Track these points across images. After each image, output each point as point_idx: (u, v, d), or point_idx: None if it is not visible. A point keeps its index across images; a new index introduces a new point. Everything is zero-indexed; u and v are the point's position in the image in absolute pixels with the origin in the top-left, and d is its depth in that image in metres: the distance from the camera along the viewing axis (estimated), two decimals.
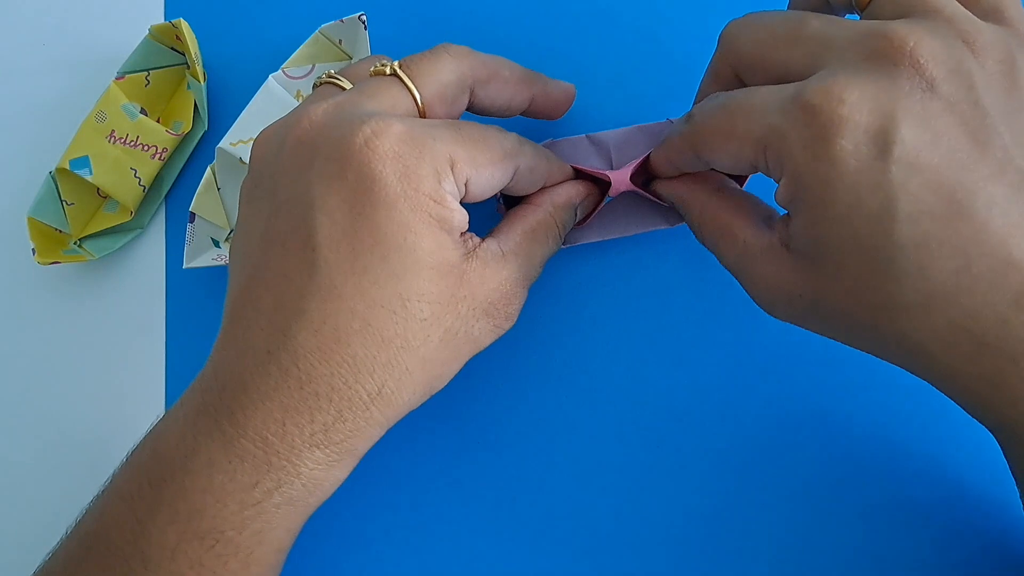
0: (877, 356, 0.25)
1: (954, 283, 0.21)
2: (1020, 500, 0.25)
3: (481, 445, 0.34)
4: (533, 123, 0.34)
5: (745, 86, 0.27)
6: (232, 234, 0.29)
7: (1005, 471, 0.25)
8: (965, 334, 0.22)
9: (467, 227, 0.27)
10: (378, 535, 0.34)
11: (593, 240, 0.34)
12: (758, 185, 0.30)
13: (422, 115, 0.27)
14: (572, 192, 0.31)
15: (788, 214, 0.24)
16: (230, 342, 0.26)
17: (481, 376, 0.34)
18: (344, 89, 0.28)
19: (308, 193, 0.25)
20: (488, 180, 0.27)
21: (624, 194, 0.32)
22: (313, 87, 0.30)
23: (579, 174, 0.32)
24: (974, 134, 0.21)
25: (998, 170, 0.21)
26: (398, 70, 0.27)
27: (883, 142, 0.21)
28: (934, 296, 0.22)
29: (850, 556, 0.32)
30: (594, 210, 0.32)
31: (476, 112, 0.30)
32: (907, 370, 0.24)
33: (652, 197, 0.31)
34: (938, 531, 0.31)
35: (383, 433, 0.26)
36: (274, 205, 0.26)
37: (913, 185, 0.21)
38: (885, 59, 0.22)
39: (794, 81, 0.23)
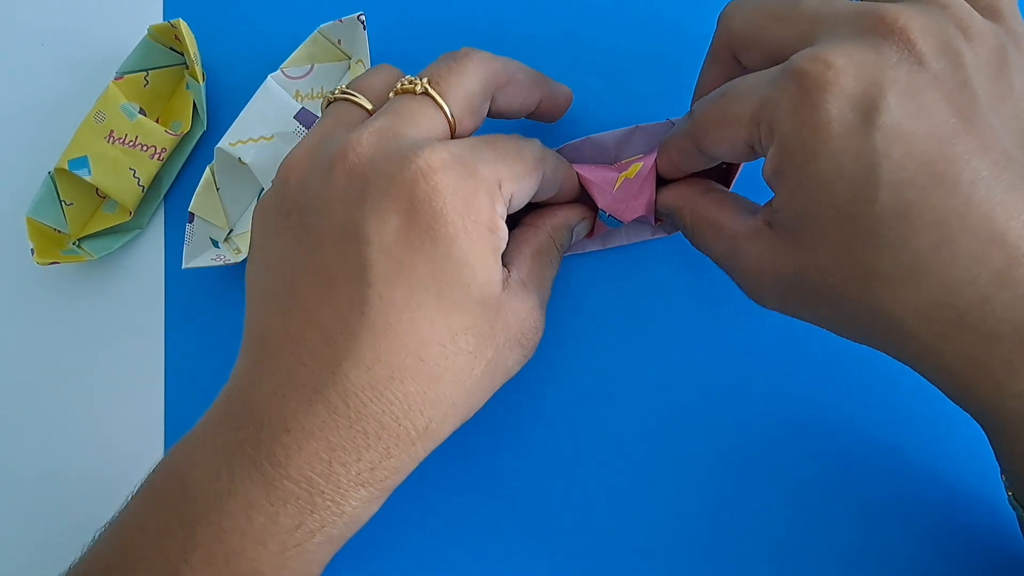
0: (860, 340, 0.25)
1: (935, 256, 0.21)
2: (1004, 490, 0.25)
3: (481, 445, 0.34)
4: (532, 125, 0.34)
5: (743, 68, 0.27)
6: (248, 258, 0.28)
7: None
8: (946, 311, 0.21)
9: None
10: (378, 535, 0.34)
11: (594, 249, 0.34)
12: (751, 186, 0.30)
13: (452, 130, 0.27)
14: (570, 214, 0.31)
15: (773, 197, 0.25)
16: (265, 376, 0.25)
17: None
18: (362, 107, 0.28)
19: (361, 228, 0.24)
20: (527, 191, 0.27)
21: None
22: (325, 104, 0.29)
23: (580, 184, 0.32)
24: (960, 110, 0.21)
25: (982, 147, 0.21)
26: (429, 89, 0.27)
27: (868, 108, 0.21)
28: (914, 269, 0.21)
29: (849, 554, 0.32)
30: (593, 231, 0.32)
31: (490, 115, 0.30)
32: (890, 354, 0.24)
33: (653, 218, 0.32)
34: (934, 528, 0.31)
35: (416, 467, 0.26)
36: (317, 238, 0.25)
37: (896, 153, 0.21)
38: (875, 33, 0.22)
39: (785, 57, 0.23)
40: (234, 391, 0.26)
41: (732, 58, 0.27)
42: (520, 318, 0.27)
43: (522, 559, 0.33)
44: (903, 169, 0.21)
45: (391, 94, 0.27)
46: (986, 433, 0.24)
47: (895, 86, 0.21)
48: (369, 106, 0.28)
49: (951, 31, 0.22)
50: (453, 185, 0.24)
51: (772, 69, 0.24)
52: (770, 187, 0.24)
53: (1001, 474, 0.25)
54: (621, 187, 0.30)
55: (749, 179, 0.31)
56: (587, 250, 0.34)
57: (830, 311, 0.24)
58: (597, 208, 0.31)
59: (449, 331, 0.25)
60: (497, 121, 0.31)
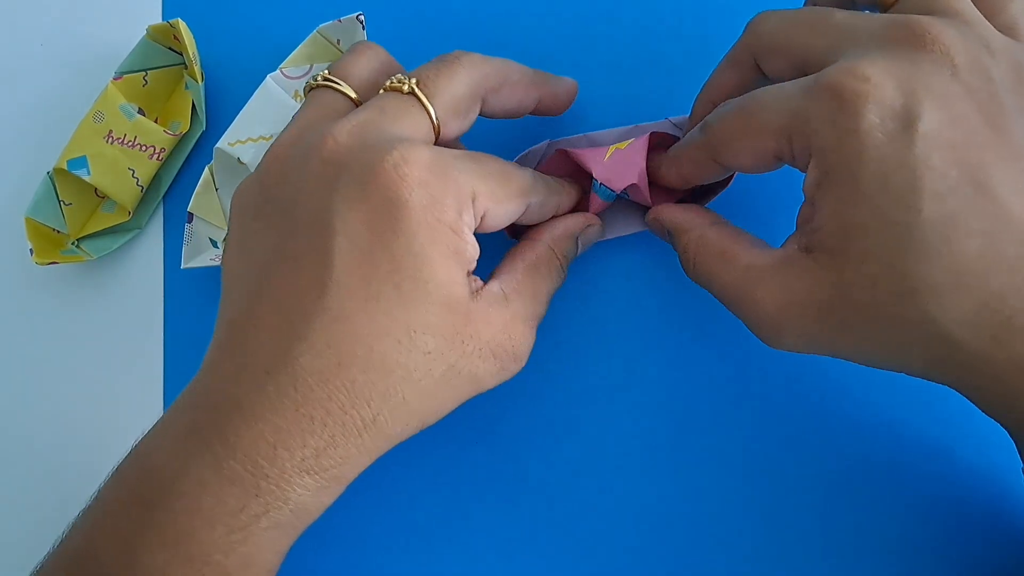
0: (897, 365, 0.24)
1: (980, 263, 0.21)
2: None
3: (480, 445, 0.34)
4: (532, 123, 0.34)
5: (762, 74, 0.27)
6: (226, 245, 0.28)
7: (1006, 473, 0.25)
8: (994, 315, 0.21)
9: (476, 263, 0.26)
10: (377, 535, 0.34)
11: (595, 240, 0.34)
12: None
13: (436, 132, 0.27)
14: (571, 223, 0.31)
15: (803, 221, 0.24)
16: (226, 359, 0.25)
17: None
18: (346, 96, 0.28)
19: (329, 213, 0.24)
20: (503, 214, 0.27)
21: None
22: (307, 88, 0.29)
23: (574, 163, 0.32)
24: (992, 120, 0.22)
25: (1015, 155, 0.22)
26: (416, 89, 0.27)
27: (907, 118, 0.22)
28: (961, 276, 0.21)
29: (850, 556, 0.32)
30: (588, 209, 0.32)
31: (486, 116, 0.30)
32: (932, 373, 0.24)
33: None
34: (933, 529, 0.31)
35: (371, 462, 0.26)
36: (290, 223, 0.25)
37: (937, 162, 0.21)
38: (908, 44, 0.22)
39: (813, 70, 0.24)
40: (199, 376, 0.26)
41: (753, 64, 0.27)
42: (495, 330, 0.26)
43: (521, 559, 0.33)
44: (946, 177, 0.21)
45: (380, 91, 0.28)
46: (1017, 445, 0.24)
47: (931, 95, 0.22)
48: (353, 95, 0.28)
49: (978, 46, 0.23)
50: (421, 178, 0.24)
51: (800, 81, 0.24)
52: (810, 201, 0.24)
53: None
54: (612, 156, 0.30)
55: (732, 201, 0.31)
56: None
57: (871, 333, 0.24)
58: (594, 207, 0.32)
59: (407, 327, 0.24)
60: (498, 121, 0.31)
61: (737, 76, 0.28)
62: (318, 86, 0.29)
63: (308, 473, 0.24)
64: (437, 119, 0.27)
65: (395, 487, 0.34)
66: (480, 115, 0.30)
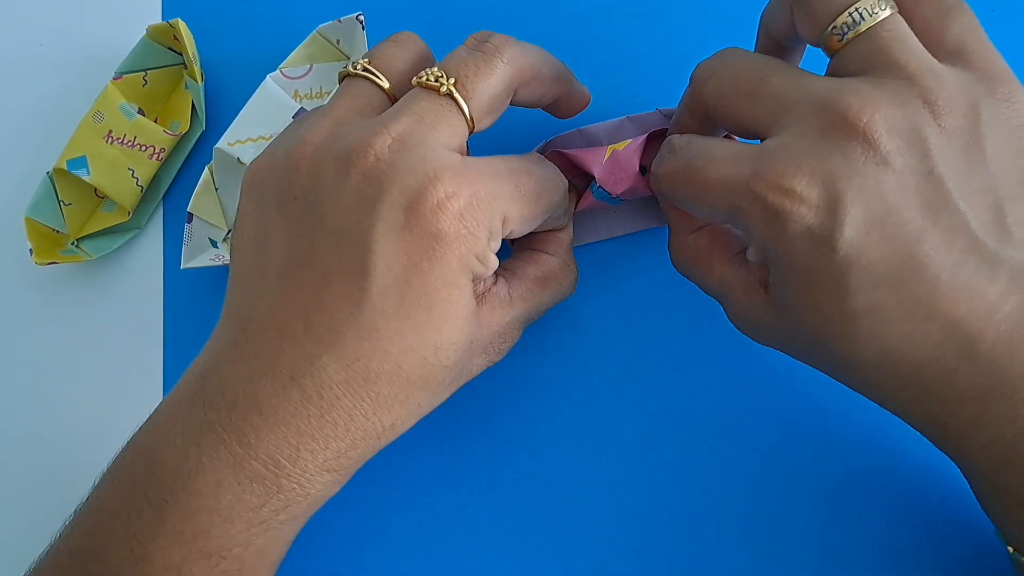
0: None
1: (906, 342, 0.23)
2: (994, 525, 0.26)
3: (477, 445, 0.34)
4: (529, 122, 0.34)
5: (715, 125, 0.28)
6: (232, 233, 0.28)
7: None
8: (914, 384, 0.24)
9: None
10: (376, 535, 0.34)
11: (590, 241, 0.34)
12: None
13: (471, 130, 0.27)
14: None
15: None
16: (244, 360, 0.25)
17: (480, 376, 0.34)
18: (382, 88, 0.28)
19: (369, 234, 0.24)
20: (527, 230, 0.28)
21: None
22: (341, 76, 0.29)
23: (570, 163, 0.32)
24: (927, 205, 0.22)
25: (948, 238, 0.22)
26: (454, 92, 0.26)
27: (831, 228, 0.22)
28: (886, 355, 0.23)
29: (849, 557, 0.32)
30: (579, 204, 0.32)
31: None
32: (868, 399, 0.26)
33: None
34: (931, 531, 0.31)
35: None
36: (322, 233, 0.25)
37: (864, 260, 0.22)
38: (840, 133, 0.22)
39: (755, 136, 0.25)
40: (208, 369, 0.26)
41: (705, 115, 0.27)
42: (493, 330, 0.28)
43: (519, 559, 0.33)
44: (871, 273, 0.22)
45: (413, 81, 0.27)
46: (962, 472, 0.26)
47: (860, 195, 0.22)
48: (387, 86, 0.28)
49: (918, 114, 0.22)
50: (461, 212, 0.25)
51: (737, 163, 0.24)
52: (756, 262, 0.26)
53: (984, 509, 0.26)
54: (610, 158, 0.30)
55: None
56: (586, 241, 0.34)
57: (821, 367, 0.26)
58: (584, 203, 0.32)
59: (434, 345, 0.25)
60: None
61: (696, 122, 0.28)
62: (355, 75, 0.28)
63: (328, 472, 0.25)
64: (473, 119, 0.27)
65: (394, 487, 0.34)
66: None
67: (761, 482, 0.33)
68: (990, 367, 0.22)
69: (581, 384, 0.34)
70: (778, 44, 0.29)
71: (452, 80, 0.26)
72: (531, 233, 0.31)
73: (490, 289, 0.28)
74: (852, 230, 0.22)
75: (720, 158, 0.25)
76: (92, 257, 0.37)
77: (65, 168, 0.36)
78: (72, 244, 0.38)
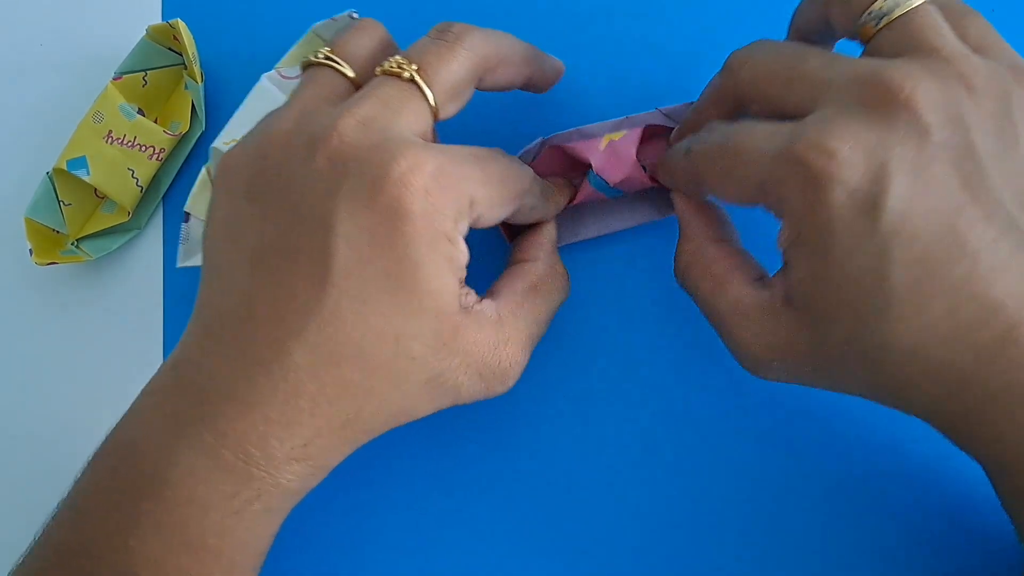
0: (862, 397, 0.26)
1: (944, 324, 0.22)
2: (1016, 531, 0.25)
3: (475, 444, 0.34)
4: (526, 117, 0.33)
5: (742, 113, 0.27)
6: (205, 225, 0.28)
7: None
8: (953, 372, 0.23)
9: (467, 270, 0.26)
10: (374, 536, 0.34)
11: (587, 237, 0.34)
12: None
13: (435, 117, 0.27)
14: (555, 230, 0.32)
15: (784, 267, 0.25)
16: (215, 348, 0.25)
17: None
18: (346, 77, 0.28)
19: (332, 215, 0.24)
20: (496, 217, 0.27)
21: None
22: (304, 64, 0.29)
23: (569, 158, 0.32)
24: (966, 179, 0.22)
25: (987, 215, 0.22)
26: (417, 77, 0.26)
27: (875, 193, 0.22)
28: (926, 336, 0.22)
29: (848, 559, 0.31)
30: (577, 196, 0.32)
31: (476, 90, 0.29)
32: (891, 407, 0.25)
33: (651, 182, 0.31)
34: (929, 532, 0.31)
35: (352, 452, 0.27)
36: (288, 219, 0.25)
37: (905, 233, 0.22)
38: (881, 105, 0.22)
39: (792, 117, 0.24)
40: (181, 360, 0.26)
41: (734, 103, 0.27)
42: (483, 350, 0.27)
43: (518, 559, 0.33)
44: (912, 247, 0.22)
45: (377, 70, 0.27)
46: (992, 480, 0.25)
47: (902, 166, 0.22)
48: (351, 74, 0.28)
49: (956, 92, 0.22)
50: (426, 187, 0.24)
51: (775, 135, 0.24)
52: (784, 258, 0.25)
53: (1009, 516, 0.25)
54: (607, 147, 0.30)
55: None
56: (582, 238, 0.34)
57: (848, 380, 0.25)
58: (583, 194, 0.32)
59: (396, 332, 0.25)
60: (493, 115, 0.31)
61: (723, 110, 0.28)
62: (318, 63, 0.28)
63: (296, 461, 0.25)
64: (436, 105, 0.27)
65: (392, 488, 0.34)
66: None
67: (761, 482, 0.32)
68: None
69: (581, 384, 0.34)
70: (809, 41, 0.29)
71: (415, 67, 0.27)
72: (513, 245, 0.31)
73: (476, 305, 0.27)
74: (897, 198, 0.22)
75: (759, 130, 0.25)
76: (92, 257, 0.37)
77: (65, 168, 0.36)
78: (72, 244, 0.38)
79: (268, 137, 0.27)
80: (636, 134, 0.30)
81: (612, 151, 0.30)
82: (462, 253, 0.26)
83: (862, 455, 0.32)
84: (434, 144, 0.26)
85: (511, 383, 0.28)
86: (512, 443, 0.34)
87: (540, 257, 0.30)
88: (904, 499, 0.31)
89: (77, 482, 0.27)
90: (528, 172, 0.29)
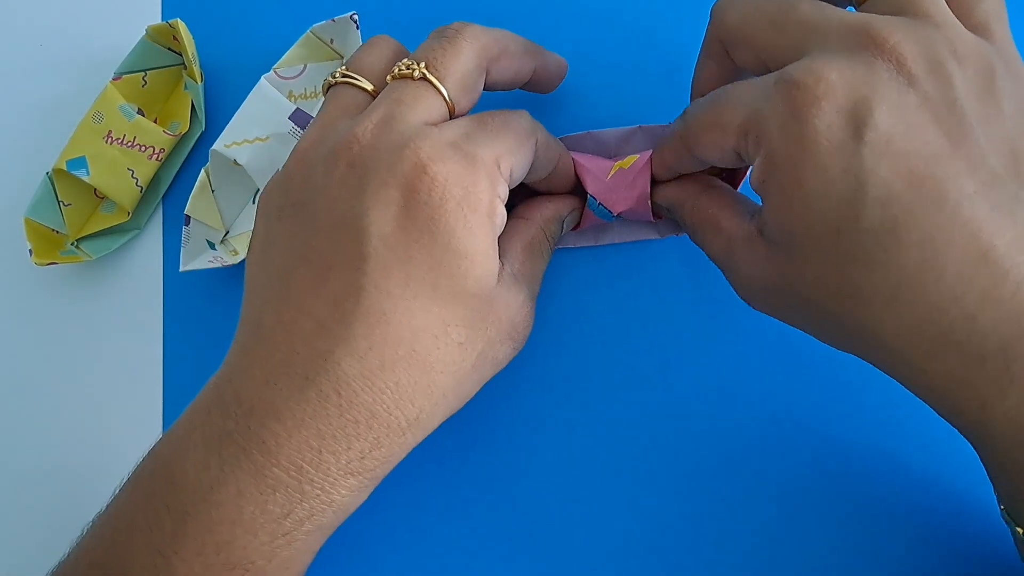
0: (848, 352, 0.25)
1: (921, 275, 0.21)
2: (996, 503, 0.25)
3: (475, 444, 0.34)
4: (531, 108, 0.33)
5: (736, 64, 0.27)
6: (250, 249, 0.28)
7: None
8: (931, 329, 0.21)
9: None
10: (373, 537, 0.34)
11: (585, 245, 0.33)
12: None
13: (451, 111, 0.27)
14: (560, 206, 0.31)
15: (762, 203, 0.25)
16: (255, 364, 0.25)
17: None
18: (363, 90, 0.28)
19: (360, 218, 0.24)
20: (524, 164, 0.27)
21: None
22: (325, 87, 0.29)
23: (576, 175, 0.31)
24: (948, 130, 0.21)
25: (970, 166, 0.21)
26: (427, 74, 0.26)
27: (856, 124, 0.21)
28: (900, 287, 0.21)
29: (847, 559, 0.31)
30: (581, 222, 0.32)
31: (485, 89, 0.30)
32: (878, 368, 0.24)
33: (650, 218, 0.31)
34: (928, 533, 0.31)
35: (404, 458, 0.26)
36: (315, 227, 0.25)
37: (884, 170, 0.21)
38: (867, 50, 0.22)
39: (777, 67, 0.24)
40: (223, 380, 0.26)
41: (725, 53, 0.27)
42: (511, 312, 0.27)
43: (516, 558, 0.33)
44: (890, 185, 0.21)
45: (388, 78, 0.27)
46: (975, 449, 0.24)
47: (885, 103, 0.21)
48: (370, 87, 0.28)
49: (942, 51, 0.22)
50: (452, 174, 0.24)
51: (765, 78, 0.24)
52: (759, 194, 0.24)
53: (993, 488, 0.25)
54: (615, 176, 0.30)
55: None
56: (579, 245, 0.34)
57: (816, 323, 0.25)
58: (586, 200, 0.31)
59: (442, 322, 0.25)
60: (492, 94, 0.31)
61: (716, 68, 0.28)
62: (336, 83, 0.29)
63: (353, 475, 0.25)
64: (450, 99, 0.27)
65: (391, 488, 0.34)
66: None
67: (762, 482, 0.32)
68: (1014, 314, 0.21)
69: (581, 384, 0.34)
70: None
71: (423, 64, 0.27)
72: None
73: (503, 269, 0.27)
74: (875, 136, 0.21)
75: (747, 81, 0.25)
76: (92, 257, 0.37)
77: (65, 168, 0.36)
78: (72, 245, 0.38)
79: (293, 158, 0.27)
80: (644, 162, 0.30)
81: (619, 180, 0.30)
82: (502, 218, 0.26)
83: (862, 455, 0.32)
84: (445, 124, 0.26)
85: (527, 338, 0.29)
86: (513, 442, 0.34)
87: (533, 219, 0.30)
88: (904, 499, 0.31)
89: (115, 498, 0.26)
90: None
